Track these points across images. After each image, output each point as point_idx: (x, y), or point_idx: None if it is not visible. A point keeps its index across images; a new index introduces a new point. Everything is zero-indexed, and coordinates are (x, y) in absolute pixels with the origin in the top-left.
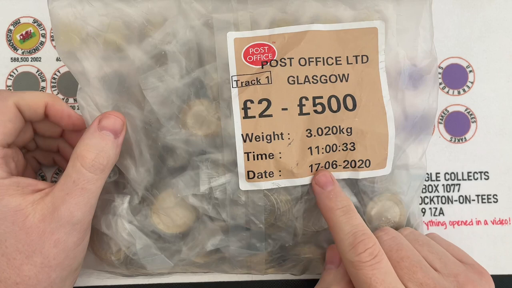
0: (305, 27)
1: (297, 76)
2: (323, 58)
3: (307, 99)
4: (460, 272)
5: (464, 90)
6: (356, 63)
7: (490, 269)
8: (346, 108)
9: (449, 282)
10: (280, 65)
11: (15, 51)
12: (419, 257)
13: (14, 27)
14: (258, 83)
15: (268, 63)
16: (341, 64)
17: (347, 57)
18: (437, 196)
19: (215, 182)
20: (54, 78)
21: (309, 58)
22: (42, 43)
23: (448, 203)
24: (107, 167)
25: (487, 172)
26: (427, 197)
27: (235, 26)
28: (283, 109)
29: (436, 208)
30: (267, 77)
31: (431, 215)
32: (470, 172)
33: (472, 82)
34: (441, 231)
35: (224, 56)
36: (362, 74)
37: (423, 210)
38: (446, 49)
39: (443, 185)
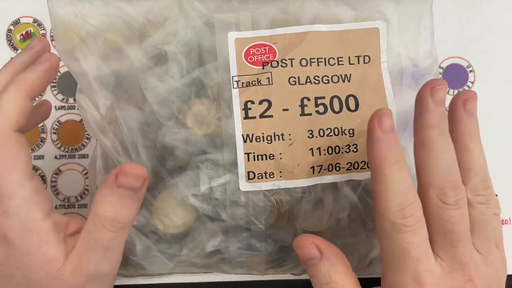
0: (306, 27)
1: (298, 77)
2: (325, 58)
3: (308, 99)
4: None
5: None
6: (358, 63)
7: None
8: (349, 108)
9: (487, 271)
10: (281, 66)
11: (15, 51)
12: (468, 234)
13: (14, 27)
14: (259, 84)
15: (269, 64)
16: (343, 64)
17: (349, 57)
18: None
19: (215, 182)
20: (54, 78)
21: (310, 59)
22: None
23: None
24: (128, 223)
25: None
26: None
27: (236, 26)
28: (284, 109)
29: None
30: (268, 78)
31: None
32: None
33: (472, 82)
34: None
35: (225, 56)
36: (365, 74)
37: None
38: (447, 49)
39: None
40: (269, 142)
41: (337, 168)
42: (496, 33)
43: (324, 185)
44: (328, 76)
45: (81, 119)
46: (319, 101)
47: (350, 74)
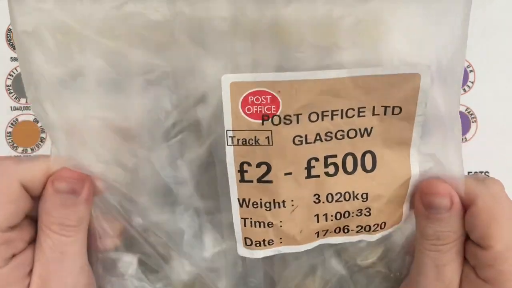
0: (320, 73)
1: (306, 135)
2: (342, 110)
3: (317, 159)
4: None
5: (464, 90)
6: (385, 114)
7: None
8: (364, 168)
9: None
10: (284, 123)
11: (15, 50)
12: None
13: None
14: (257, 143)
15: (270, 119)
16: (364, 116)
17: (373, 107)
18: None
19: (217, 248)
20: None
21: (322, 112)
22: None
23: None
24: (80, 226)
25: (488, 172)
26: None
27: (232, 66)
28: (286, 173)
29: None
30: (267, 137)
31: None
32: (471, 172)
33: (472, 82)
34: None
35: (219, 105)
36: (390, 127)
37: None
38: None
39: None
40: (268, 209)
41: (345, 230)
42: (497, 33)
43: (316, 251)
44: (343, 131)
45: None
46: (330, 160)
47: (372, 127)
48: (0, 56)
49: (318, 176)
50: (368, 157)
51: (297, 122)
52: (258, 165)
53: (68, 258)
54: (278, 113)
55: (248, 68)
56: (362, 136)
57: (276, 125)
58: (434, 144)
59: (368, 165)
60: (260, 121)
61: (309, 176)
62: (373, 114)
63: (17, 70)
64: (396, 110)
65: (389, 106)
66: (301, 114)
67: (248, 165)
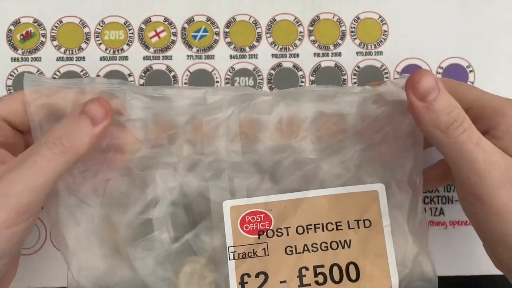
0: (301, 194)
1: (295, 246)
2: (322, 224)
3: (307, 269)
4: None
5: None
6: (358, 227)
7: (490, 269)
8: (349, 278)
9: None
10: (277, 235)
11: (15, 51)
12: None
13: (14, 27)
14: (255, 255)
15: (265, 233)
16: (342, 229)
17: (348, 221)
18: (438, 196)
19: None
20: (54, 78)
21: (307, 226)
22: (42, 43)
23: (448, 203)
24: (70, 151)
25: None
26: (427, 197)
27: (231, 194)
28: (281, 281)
29: (436, 208)
30: (264, 248)
31: (431, 215)
32: None
33: (472, 82)
34: (441, 231)
35: (221, 226)
36: (366, 239)
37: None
38: (447, 49)
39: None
40: None
41: None
42: (497, 33)
43: None
44: (327, 243)
45: None
46: (318, 270)
47: (350, 240)
48: (0, 56)
49: (309, 285)
50: (352, 268)
51: (287, 234)
52: (257, 275)
53: (34, 169)
54: (271, 228)
55: (244, 194)
56: (343, 247)
57: (271, 237)
58: (404, 253)
59: (353, 275)
60: (257, 236)
61: (301, 285)
62: (349, 228)
63: (17, 70)
64: (367, 223)
65: (361, 220)
66: (290, 227)
67: (248, 276)
